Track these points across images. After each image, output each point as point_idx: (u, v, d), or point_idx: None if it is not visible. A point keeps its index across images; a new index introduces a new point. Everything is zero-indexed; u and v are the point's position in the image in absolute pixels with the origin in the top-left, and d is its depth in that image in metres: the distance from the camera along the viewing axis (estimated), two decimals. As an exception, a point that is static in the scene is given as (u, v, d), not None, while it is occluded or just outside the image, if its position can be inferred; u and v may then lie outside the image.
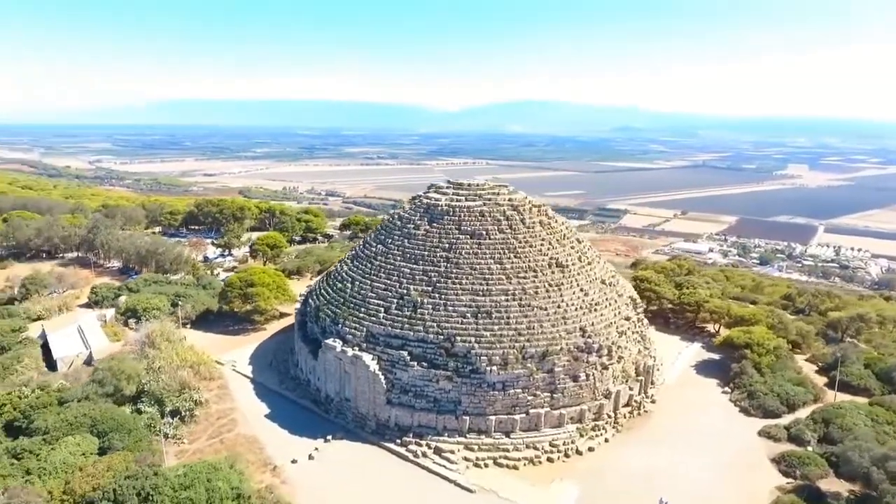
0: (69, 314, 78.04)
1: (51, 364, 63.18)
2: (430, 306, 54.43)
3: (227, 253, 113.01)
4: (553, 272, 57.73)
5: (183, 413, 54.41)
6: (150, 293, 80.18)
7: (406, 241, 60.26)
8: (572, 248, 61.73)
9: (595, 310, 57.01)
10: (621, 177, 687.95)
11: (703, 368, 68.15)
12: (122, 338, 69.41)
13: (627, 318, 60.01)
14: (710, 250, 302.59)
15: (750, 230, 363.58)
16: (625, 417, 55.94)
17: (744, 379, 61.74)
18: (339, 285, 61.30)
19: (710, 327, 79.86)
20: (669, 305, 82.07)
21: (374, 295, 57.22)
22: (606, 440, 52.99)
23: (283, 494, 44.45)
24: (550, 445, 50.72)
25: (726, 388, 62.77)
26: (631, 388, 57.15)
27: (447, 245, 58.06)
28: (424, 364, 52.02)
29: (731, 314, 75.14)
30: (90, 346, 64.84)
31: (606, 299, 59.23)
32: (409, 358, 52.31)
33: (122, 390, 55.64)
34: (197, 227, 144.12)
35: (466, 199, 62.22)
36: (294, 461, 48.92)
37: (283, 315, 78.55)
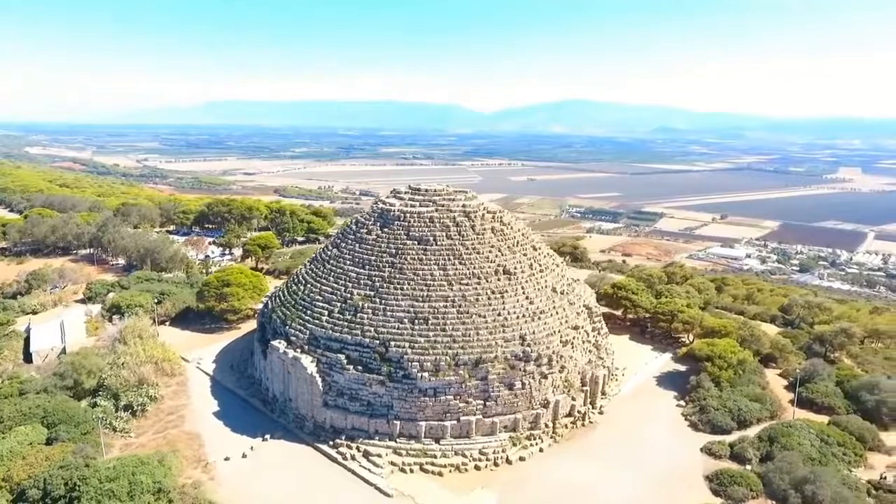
0: (62, 309, 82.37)
1: (29, 357, 67.07)
2: (370, 311, 55.31)
3: (226, 252, 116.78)
4: (499, 279, 57.69)
5: (135, 408, 56.91)
6: (137, 290, 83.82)
7: (357, 245, 61.30)
8: (524, 255, 61.45)
9: (539, 318, 56.63)
10: (659, 179, 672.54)
11: (666, 380, 66.63)
12: (100, 333, 72.91)
13: (576, 328, 59.32)
14: (747, 256, 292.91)
15: (793, 236, 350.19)
16: (566, 428, 55.38)
17: (699, 392, 60.20)
18: (294, 287, 62.91)
19: (687, 338, 77.85)
20: (645, 314, 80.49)
21: (320, 298, 58.51)
22: (541, 450, 52.61)
23: (207, 490, 46.07)
24: (480, 453, 50.77)
25: (682, 402, 61.30)
26: (574, 399, 56.52)
27: (394, 250, 58.79)
28: (360, 368, 52.95)
29: (702, 325, 73.07)
30: (66, 340, 68.44)
31: (554, 307, 58.72)
32: (345, 361, 53.34)
33: (83, 384, 58.70)
34: (210, 227, 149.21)
35: (420, 205, 62.76)
36: (227, 458, 50.53)
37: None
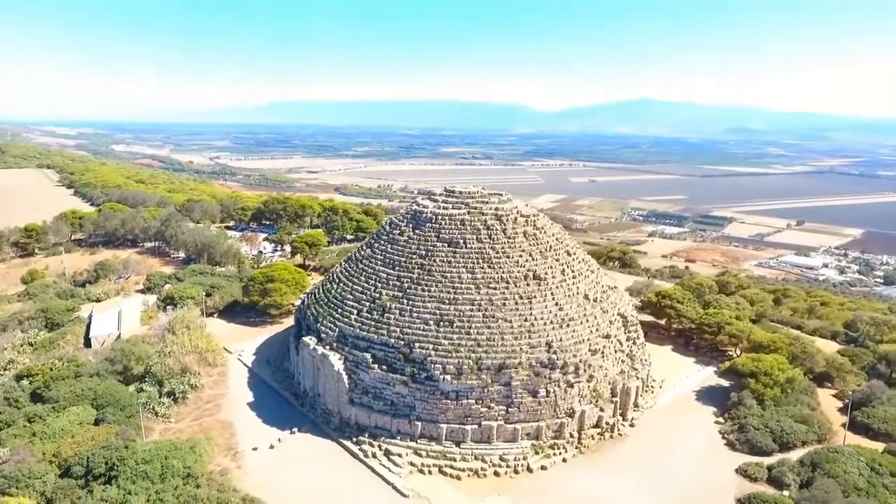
0: (122, 298, 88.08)
1: (89, 342, 72.17)
2: (397, 311, 55.88)
3: (278, 249, 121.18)
4: (528, 284, 56.86)
5: (177, 395, 60.12)
6: (190, 283, 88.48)
7: (389, 246, 62.10)
8: (556, 260, 60.24)
9: (567, 325, 55.39)
10: (730, 182, 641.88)
11: (707, 395, 63.49)
12: (153, 322, 77.44)
13: (607, 336, 57.56)
14: (824, 266, 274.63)
15: (878, 245, 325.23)
16: (592, 439, 53.87)
17: (740, 410, 57.02)
18: (328, 285, 64.49)
19: (734, 352, 73.89)
20: (690, 325, 77.05)
21: (351, 297, 59.69)
22: (564, 460, 51.41)
23: (233, 478, 48.06)
24: (500, 459, 50.24)
25: (721, 419, 58.27)
26: (602, 410, 54.89)
27: (424, 252, 59.14)
28: (385, 368, 53.62)
29: (750, 339, 69.10)
30: (121, 328, 73.17)
31: (584, 315, 57.25)
32: (371, 360, 54.18)
33: (131, 369, 62.58)
34: (267, 223, 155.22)
35: (452, 207, 62.82)
36: (255, 449, 52.47)
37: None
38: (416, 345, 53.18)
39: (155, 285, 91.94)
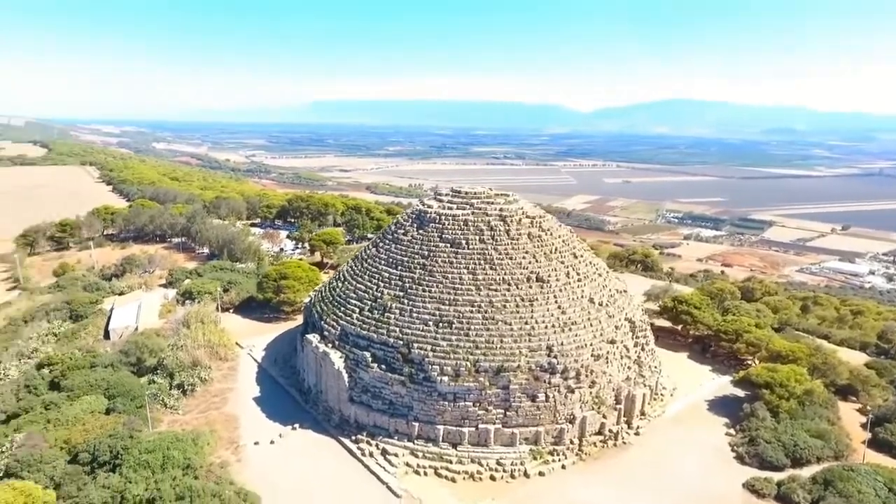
0: (144, 292, 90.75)
1: (108, 334, 74.55)
2: (397, 311, 55.85)
3: (298, 246, 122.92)
4: (530, 286, 56.03)
5: (186, 387, 61.55)
6: (209, 278, 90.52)
7: (393, 245, 62.13)
8: (562, 262, 59.19)
9: (569, 329, 54.34)
10: (771, 184, 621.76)
11: (719, 405, 61.44)
12: (170, 316, 79.49)
13: (612, 342, 56.24)
14: (871, 273, 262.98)
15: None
16: (594, 446, 52.76)
17: (752, 422, 54.94)
18: (334, 283, 65.00)
19: (753, 361, 71.32)
20: (707, 332, 74.75)
21: (354, 295, 59.97)
22: (563, 467, 50.50)
23: (232, 471, 48.93)
24: (497, 464, 49.70)
25: (732, 430, 56.28)
26: (605, 417, 53.71)
27: (426, 252, 58.94)
28: (384, 367, 53.68)
29: (769, 348, 66.58)
30: (139, 321, 75.35)
31: (588, 319, 56.07)
32: (370, 359, 54.32)
33: (144, 361, 64.41)
34: (292, 221, 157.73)
35: (457, 207, 62.43)
36: (256, 443, 53.26)
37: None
38: (415, 345, 53.05)
39: (176, 280, 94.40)
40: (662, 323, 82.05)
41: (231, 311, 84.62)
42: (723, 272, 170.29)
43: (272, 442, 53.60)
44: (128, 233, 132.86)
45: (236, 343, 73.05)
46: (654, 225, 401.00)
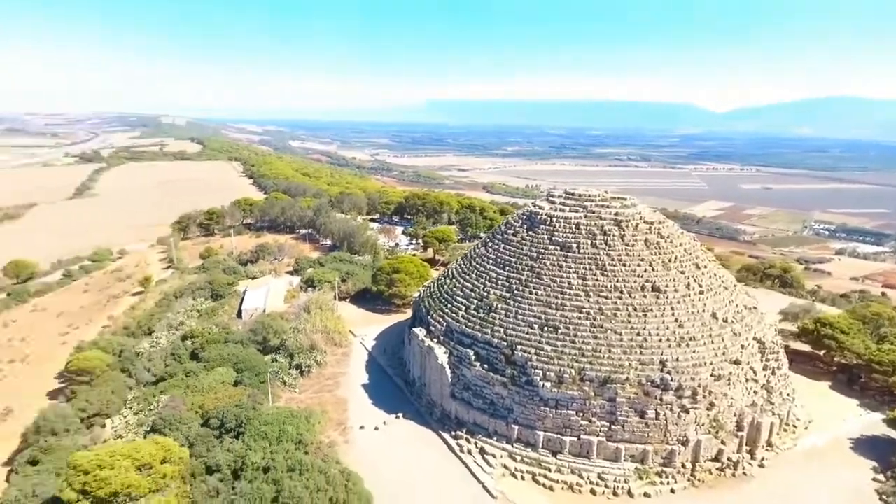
0: (272, 278, 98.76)
1: (240, 314, 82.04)
2: (503, 311, 55.47)
3: (412, 242, 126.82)
4: (644, 296, 52.90)
5: (303, 368, 66.02)
6: (329, 269, 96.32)
7: (502, 245, 61.78)
8: (681, 272, 55.16)
9: (686, 345, 50.52)
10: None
11: (867, 445, 53.79)
12: (293, 301, 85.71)
13: (736, 362, 51.38)
14: None
15: None
16: (709, 473, 48.61)
17: (906, 470, 47.53)
18: (443, 280, 66.08)
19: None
20: (857, 360, 65.91)
21: (461, 293, 60.51)
22: (672, 491, 47.10)
23: (338, 451, 51.69)
24: (598, 478, 47.61)
25: (881, 476, 49.07)
26: (723, 443, 49.28)
27: (535, 254, 57.88)
28: (486, 366, 53.62)
29: (934, 386, 57.11)
30: (267, 303, 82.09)
31: (709, 335, 51.72)
32: (473, 357, 54.52)
33: (269, 341, 70.05)
34: (409, 217, 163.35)
35: (569, 210, 60.59)
36: (362, 427, 55.75)
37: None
38: (519, 347, 52.36)
39: (301, 268, 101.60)
40: (801, 347, 73.70)
41: (347, 300, 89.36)
42: (883, 294, 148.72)
43: (376, 428, 55.76)
44: (262, 222, 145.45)
45: (350, 331, 76.96)
46: (799, 237, 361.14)
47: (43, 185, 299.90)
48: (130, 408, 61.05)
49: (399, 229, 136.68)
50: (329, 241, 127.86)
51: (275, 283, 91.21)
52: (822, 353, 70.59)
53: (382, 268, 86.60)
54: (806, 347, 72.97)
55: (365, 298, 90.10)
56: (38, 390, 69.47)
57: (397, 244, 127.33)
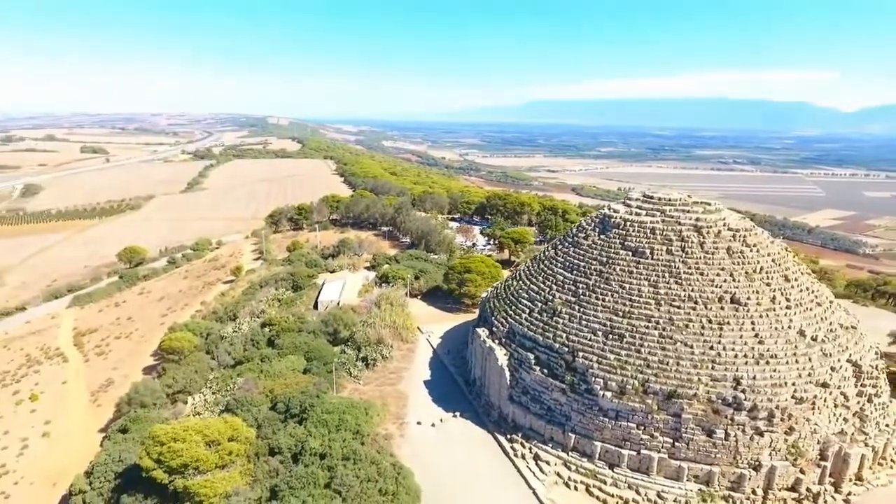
0: (353, 272, 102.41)
1: (317, 305, 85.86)
2: (567, 316, 53.93)
3: (490, 242, 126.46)
4: (722, 308, 49.26)
5: (369, 361, 67.92)
6: (404, 266, 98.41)
7: (572, 248, 60.03)
8: (767, 284, 50.74)
9: (766, 363, 46.45)
10: None
11: (983, 492, 46.88)
12: (367, 295, 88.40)
13: (824, 385, 46.51)
14: None
15: None
16: (783, 503, 44.58)
17: None
18: (510, 282, 65.34)
19: None
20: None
21: (526, 296, 59.53)
22: (740, 519, 43.73)
23: (393, 444, 52.79)
24: (658, 496, 45.07)
25: None
26: (802, 472, 44.87)
27: (605, 259, 55.68)
28: (545, 371, 52.42)
29: None
30: (342, 296, 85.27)
31: (794, 354, 47.21)
32: (533, 361, 53.48)
33: (339, 333, 72.76)
34: (489, 217, 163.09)
35: (646, 214, 57.68)
36: (419, 423, 56.48)
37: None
38: (581, 354, 50.66)
39: (378, 264, 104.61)
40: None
41: (419, 297, 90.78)
42: None
43: (433, 425, 56.24)
44: (347, 219, 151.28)
45: (417, 327, 78.15)
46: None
47: (162, 178, 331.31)
48: (210, 387, 65.82)
49: (477, 229, 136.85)
50: (408, 239, 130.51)
51: (351, 277, 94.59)
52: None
53: (454, 267, 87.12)
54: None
55: (436, 296, 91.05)
56: (137, 365, 76.80)
57: (474, 244, 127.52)
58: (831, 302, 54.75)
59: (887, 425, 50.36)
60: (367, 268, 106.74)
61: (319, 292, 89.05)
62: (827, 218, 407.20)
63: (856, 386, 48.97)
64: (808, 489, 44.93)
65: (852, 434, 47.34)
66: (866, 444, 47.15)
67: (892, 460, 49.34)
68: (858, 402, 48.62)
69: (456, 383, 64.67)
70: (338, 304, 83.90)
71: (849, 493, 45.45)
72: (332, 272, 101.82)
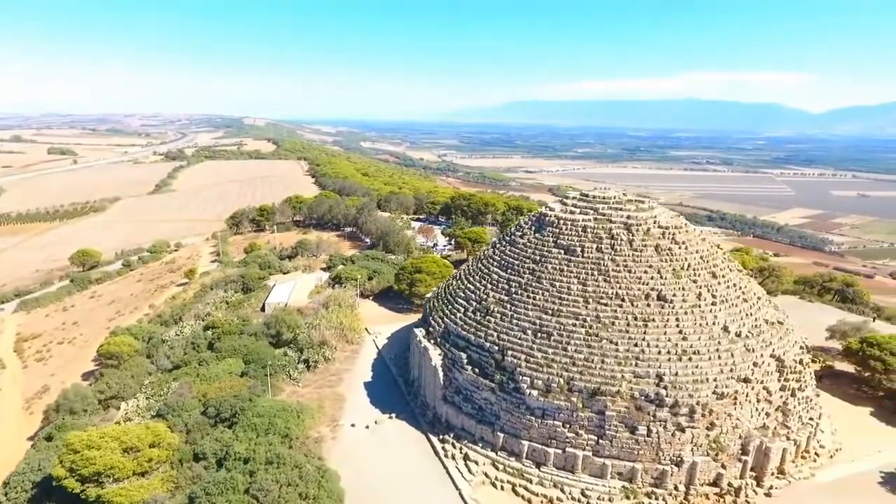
0: (308, 273, 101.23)
1: (264, 307, 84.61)
2: (498, 315, 53.76)
3: (450, 242, 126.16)
4: (648, 305, 49.51)
5: (310, 363, 67.05)
6: (359, 266, 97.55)
7: (508, 247, 59.94)
8: (694, 281, 51.16)
9: (688, 359, 46.79)
10: None
11: (903, 482, 47.77)
12: (316, 296, 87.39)
13: (745, 380, 46.98)
14: None
15: None
16: (705, 498, 44.82)
17: (941, 514, 41.62)
18: (451, 281, 65.03)
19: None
20: (907, 386, 58.71)
21: (462, 295, 59.26)
22: (662, 514, 43.89)
23: (324, 448, 52.00)
24: (581, 494, 45.06)
25: (911, 518, 43.33)
26: (724, 467, 45.25)
27: (538, 257, 55.66)
28: (476, 370, 52.15)
29: None
30: (291, 298, 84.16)
31: (717, 350, 47.64)
32: (465, 361, 53.19)
33: (282, 335, 71.69)
34: (453, 217, 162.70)
35: (579, 212, 57.87)
36: (353, 425, 55.76)
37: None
38: (510, 353, 50.52)
39: (333, 265, 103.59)
40: (846, 368, 66.88)
41: (371, 297, 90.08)
42: None
43: (367, 427, 55.58)
44: (311, 220, 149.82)
45: (365, 328, 77.47)
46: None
47: (131, 180, 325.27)
48: (144, 392, 64.40)
49: (438, 229, 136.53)
50: (369, 240, 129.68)
51: (303, 278, 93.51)
52: (868, 375, 63.49)
53: (405, 267, 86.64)
54: (849, 368, 66.15)
55: (388, 297, 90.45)
56: (76, 371, 74.86)
57: (435, 244, 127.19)
58: (759, 298, 55.42)
59: (811, 419, 51.12)
60: (324, 269, 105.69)
61: (268, 294, 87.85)
62: (796, 216, 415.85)
63: (779, 381, 49.57)
64: (729, 483, 45.34)
65: (775, 428, 47.95)
66: (788, 438, 47.79)
67: (815, 453, 50.08)
68: (781, 397, 49.22)
69: (396, 384, 64.11)
70: (286, 305, 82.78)
71: (770, 487, 45.96)
72: (285, 273, 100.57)
